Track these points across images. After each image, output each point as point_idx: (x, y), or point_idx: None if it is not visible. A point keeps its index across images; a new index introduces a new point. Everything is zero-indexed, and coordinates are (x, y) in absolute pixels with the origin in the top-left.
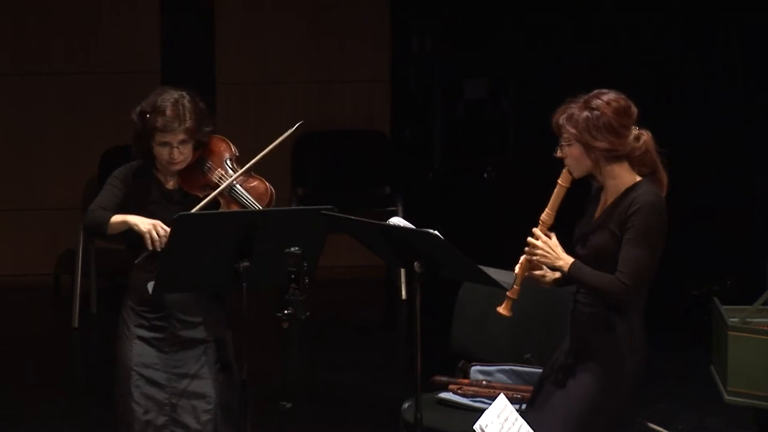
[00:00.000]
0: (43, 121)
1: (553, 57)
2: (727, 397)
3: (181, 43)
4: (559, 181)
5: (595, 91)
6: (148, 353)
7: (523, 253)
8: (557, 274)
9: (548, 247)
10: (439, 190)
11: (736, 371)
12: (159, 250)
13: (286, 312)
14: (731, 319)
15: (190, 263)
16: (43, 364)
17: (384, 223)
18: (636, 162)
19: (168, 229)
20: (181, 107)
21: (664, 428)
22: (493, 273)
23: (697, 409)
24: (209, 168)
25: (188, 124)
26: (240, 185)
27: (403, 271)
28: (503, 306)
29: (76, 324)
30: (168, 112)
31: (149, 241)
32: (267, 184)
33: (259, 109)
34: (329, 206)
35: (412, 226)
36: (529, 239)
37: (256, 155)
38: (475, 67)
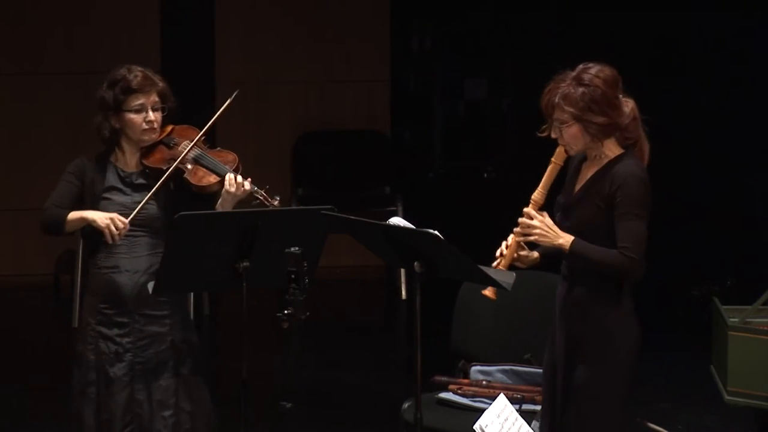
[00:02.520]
0: (43, 121)
1: (552, 57)
2: (727, 397)
3: (181, 43)
4: (552, 159)
5: (581, 66)
6: (113, 350)
7: (511, 233)
8: (535, 254)
9: (545, 226)
10: (439, 190)
11: (736, 371)
12: (118, 242)
13: (286, 312)
14: (731, 319)
15: (190, 263)
16: (43, 364)
17: (384, 223)
18: (623, 132)
19: (126, 221)
20: (148, 72)
21: (664, 428)
22: (493, 273)
23: (697, 409)
24: (175, 143)
25: (160, 85)
26: (206, 153)
27: (403, 271)
28: (489, 289)
29: (76, 324)
30: (139, 74)
31: (108, 237)
32: (235, 155)
33: (259, 109)
34: (329, 206)
35: (412, 226)
36: (523, 219)
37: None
38: (475, 67)
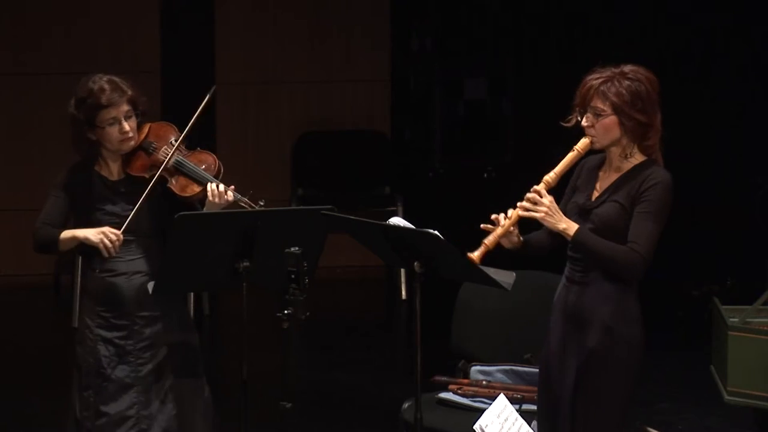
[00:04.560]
0: (44, 121)
1: (553, 57)
2: (727, 397)
3: (181, 43)
4: (576, 147)
5: (625, 65)
6: (113, 353)
7: (514, 208)
8: (522, 239)
9: (553, 207)
10: (439, 190)
11: (736, 371)
12: (115, 255)
13: (286, 312)
14: (731, 319)
15: (190, 263)
16: (43, 364)
17: (384, 223)
18: (647, 141)
19: (118, 233)
20: (115, 81)
21: (664, 429)
22: (493, 273)
23: (697, 409)
24: (154, 148)
25: (129, 92)
26: (186, 159)
27: (403, 271)
28: (477, 252)
29: (76, 324)
30: (106, 87)
31: (104, 251)
32: (213, 156)
33: (259, 109)
34: (329, 206)
35: (412, 226)
36: (532, 195)
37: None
38: (475, 67)
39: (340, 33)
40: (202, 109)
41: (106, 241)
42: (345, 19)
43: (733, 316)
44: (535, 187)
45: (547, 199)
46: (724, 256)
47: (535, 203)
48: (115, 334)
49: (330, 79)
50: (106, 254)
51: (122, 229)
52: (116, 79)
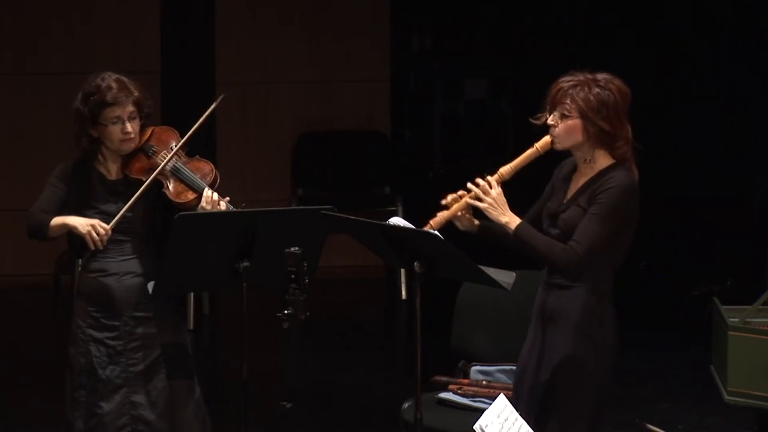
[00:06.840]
0: (44, 121)
1: (552, 57)
2: (727, 397)
3: (181, 43)
4: (537, 144)
5: (599, 73)
6: (104, 354)
7: (463, 189)
8: (476, 222)
9: (499, 200)
10: (439, 190)
11: (736, 371)
12: (101, 248)
13: (286, 312)
14: (731, 319)
15: (190, 263)
16: (43, 364)
17: (384, 223)
18: (615, 150)
19: (107, 227)
20: (123, 81)
21: (664, 429)
22: (493, 273)
23: (697, 409)
24: (154, 152)
25: (136, 93)
26: (184, 165)
27: (403, 271)
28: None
29: None
30: (114, 85)
31: (90, 243)
32: (211, 165)
33: (259, 109)
34: (329, 206)
35: (412, 226)
36: (481, 182)
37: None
38: (475, 67)
39: (340, 33)
40: (206, 117)
41: (94, 234)
42: (345, 19)
43: (733, 316)
44: (488, 177)
45: (495, 191)
46: (724, 256)
47: (484, 192)
48: (106, 334)
49: (330, 79)
50: (92, 246)
51: (110, 225)
52: (125, 79)
